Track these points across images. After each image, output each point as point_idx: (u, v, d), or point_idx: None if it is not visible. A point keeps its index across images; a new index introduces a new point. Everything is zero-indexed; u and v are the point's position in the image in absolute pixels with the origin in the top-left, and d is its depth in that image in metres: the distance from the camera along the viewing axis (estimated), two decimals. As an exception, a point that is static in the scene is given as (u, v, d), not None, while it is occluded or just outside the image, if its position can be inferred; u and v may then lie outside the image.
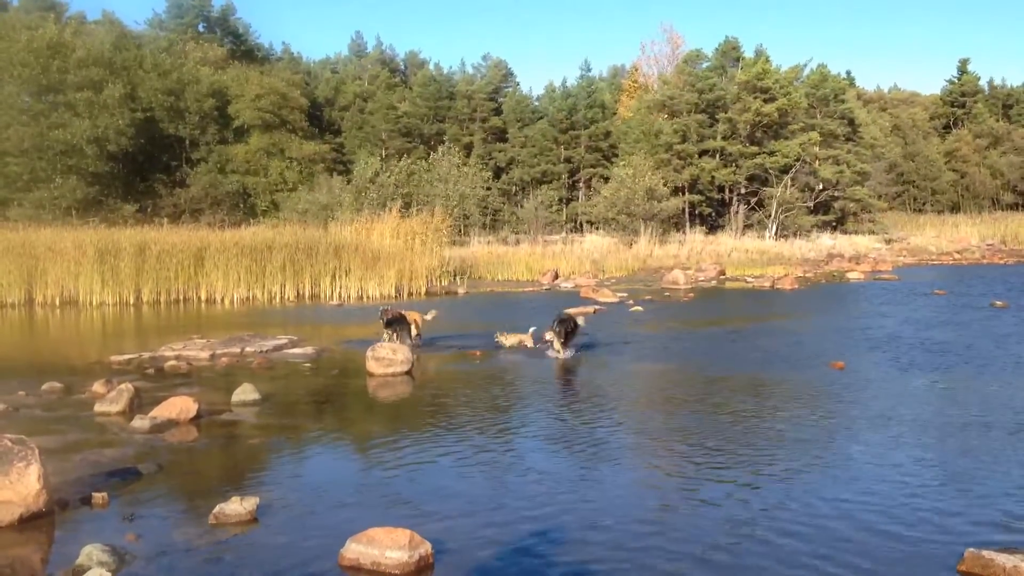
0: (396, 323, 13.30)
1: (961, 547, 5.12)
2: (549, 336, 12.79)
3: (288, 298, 23.35)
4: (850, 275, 30.67)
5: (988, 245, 46.53)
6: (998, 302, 19.93)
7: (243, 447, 7.98)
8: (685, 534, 5.57)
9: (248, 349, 13.62)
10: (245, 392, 9.72)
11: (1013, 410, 9.04)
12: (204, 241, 23.91)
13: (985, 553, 4.94)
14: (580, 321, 13.35)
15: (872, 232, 48.96)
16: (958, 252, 43.42)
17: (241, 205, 47.18)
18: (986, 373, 11.28)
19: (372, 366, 11.55)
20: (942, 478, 6.81)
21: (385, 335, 13.09)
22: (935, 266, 36.97)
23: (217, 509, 5.81)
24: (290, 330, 16.10)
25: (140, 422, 8.34)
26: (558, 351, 12.66)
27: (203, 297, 22.93)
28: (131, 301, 22.21)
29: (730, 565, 5.06)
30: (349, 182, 43.10)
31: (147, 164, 46.56)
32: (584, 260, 32.22)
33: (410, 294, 24.36)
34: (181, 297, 22.78)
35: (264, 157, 48.94)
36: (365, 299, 23.46)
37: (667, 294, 24.70)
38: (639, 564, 5.07)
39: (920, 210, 66.81)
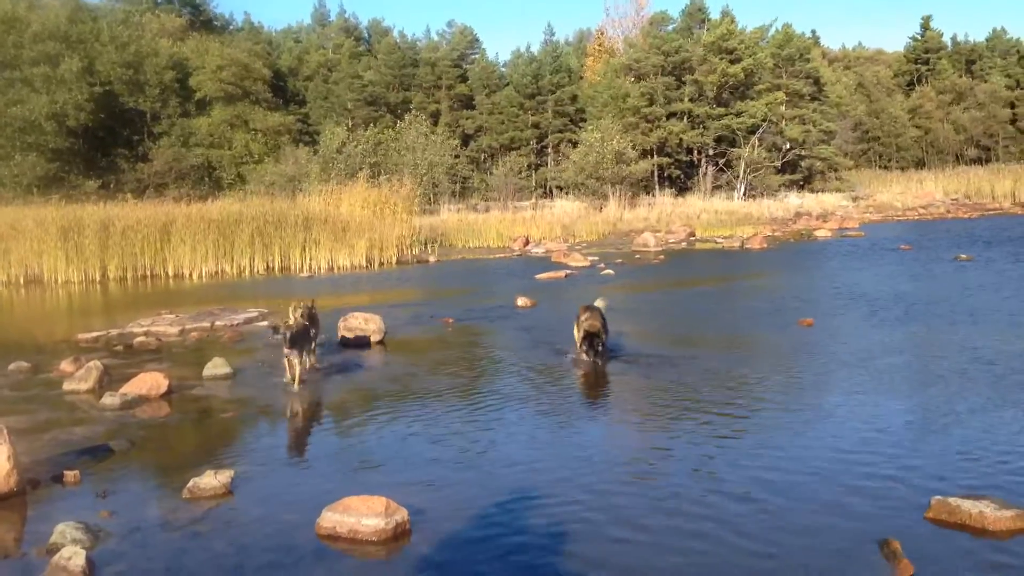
0: (300, 340, 9.00)
1: (928, 495, 5.23)
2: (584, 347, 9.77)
3: (257, 271, 23.13)
4: (818, 233, 30.93)
5: (952, 200, 47.03)
6: (963, 255, 20.23)
7: (216, 421, 7.94)
8: (660, 492, 5.64)
9: (218, 323, 13.50)
10: (216, 366, 9.65)
11: (978, 360, 9.20)
12: (170, 216, 23.59)
13: (951, 500, 5.05)
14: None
15: (839, 190, 49.26)
16: (923, 207, 43.85)
17: (206, 179, 46.45)
18: (951, 325, 11.47)
19: (344, 336, 11.52)
20: (909, 428, 6.94)
21: (286, 354, 8.87)
22: (901, 222, 37.38)
23: (191, 483, 5.78)
24: (260, 303, 15.98)
25: (110, 399, 8.26)
26: (590, 359, 9.69)
27: (171, 272, 22.65)
28: (97, 278, 21.89)
29: (705, 518, 5.13)
30: (316, 153, 42.62)
31: (108, 139, 45.64)
32: (555, 225, 32.18)
33: (381, 264, 24.25)
34: (148, 273, 22.49)
35: (228, 129, 48.18)
36: (336, 270, 23.33)
37: (638, 257, 24.79)
38: (614, 526, 5.12)
39: (886, 167, 67.27)
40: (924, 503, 5.16)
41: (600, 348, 9.66)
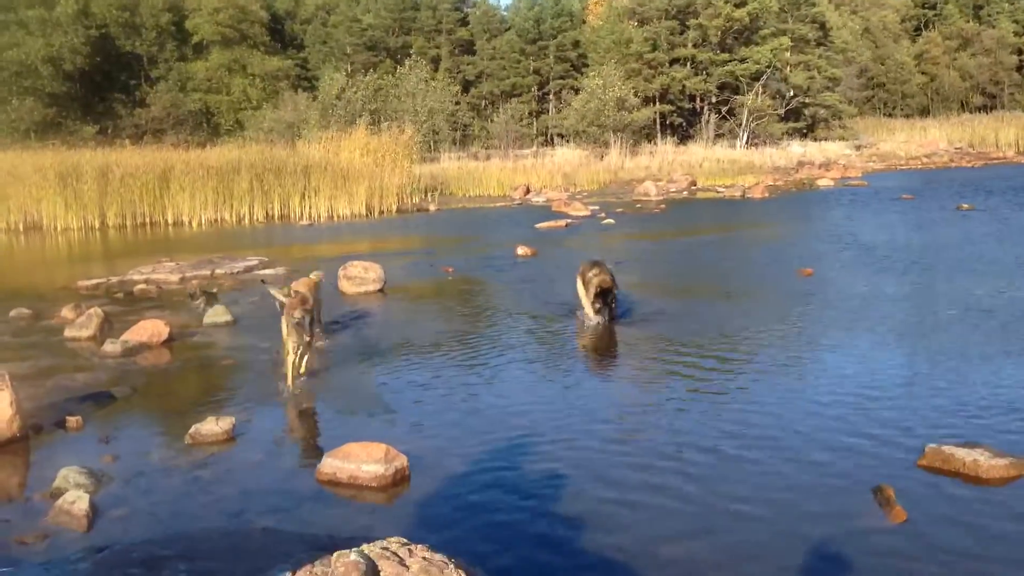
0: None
1: (923, 443, 5.27)
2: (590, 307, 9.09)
3: (257, 219, 23.04)
4: (820, 182, 30.78)
5: (956, 149, 46.71)
6: (965, 205, 20.15)
7: (217, 368, 7.98)
8: (657, 441, 5.68)
9: (218, 271, 13.51)
10: (217, 314, 9.67)
11: (979, 309, 9.21)
12: (168, 162, 23.43)
13: (945, 448, 5.09)
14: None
15: (842, 139, 48.89)
16: (927, 156, 43.57)
17: (204, 124, 46.19)
18: (952, 274, 11.46)
19: (344, 285, 11.52)
20: (906, 377, 6.97)
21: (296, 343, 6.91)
22: (904, 171, 37.16)
23: (193, 429, 5.83)
24: (260, 251, 15.98)
25: (111, 346, 8.29)
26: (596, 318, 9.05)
27: (170, 220, 22.58)
28: (96, 225, 21.84)
29: (699, 469, 5.17)
30: (315, 99, 42.21)
31: (105, 84, 45.30)
32: (555, 174, 32.00)
33: (381, 212, 24.15)
34: (147, 220, 22.43)
35: (226, 74, 47.74)
36: (336, 218, 23.25)
37: (638, 206, 24.69)
38: (609, 473, 5.17)
39: (890, 114, 66.76)
40: (918, 451, 5.20)
41: (613, 305, 8.96)
